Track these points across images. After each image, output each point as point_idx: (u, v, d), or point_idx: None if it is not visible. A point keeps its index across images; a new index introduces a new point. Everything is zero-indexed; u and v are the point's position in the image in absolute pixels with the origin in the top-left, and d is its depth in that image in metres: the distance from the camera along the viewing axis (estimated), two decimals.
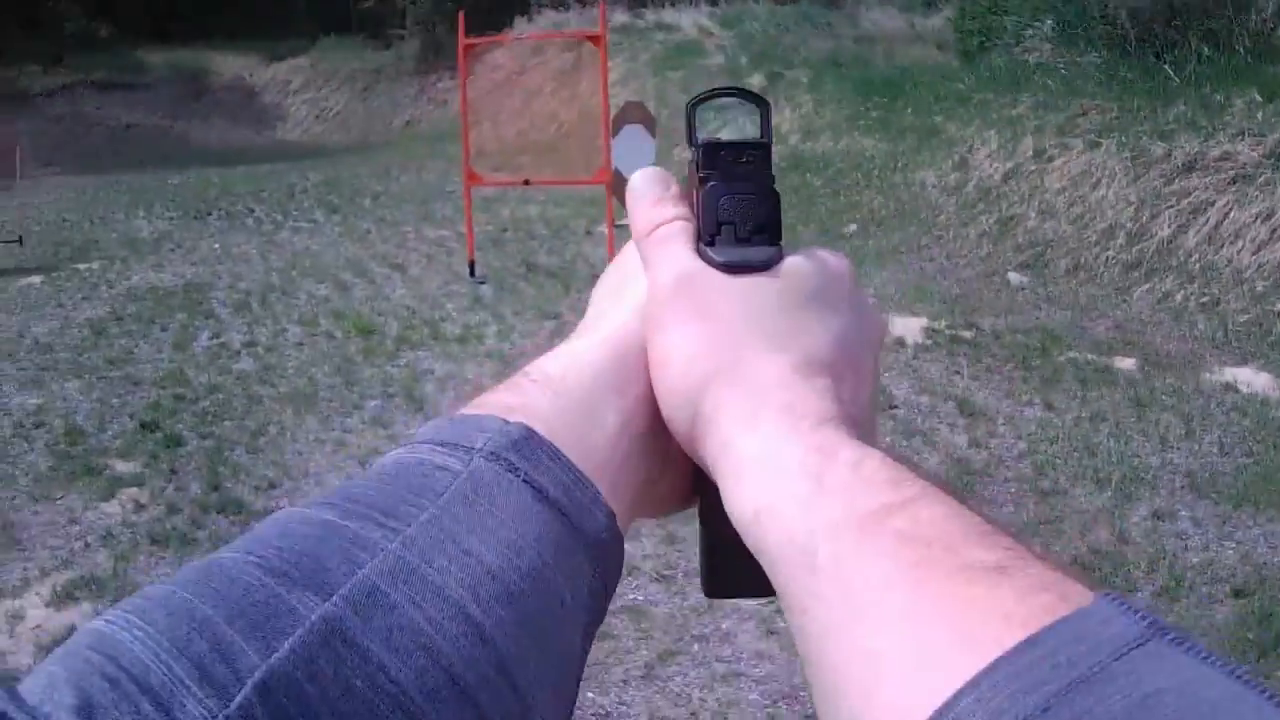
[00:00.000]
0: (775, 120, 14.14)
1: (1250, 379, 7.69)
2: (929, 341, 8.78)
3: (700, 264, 0.66)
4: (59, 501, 6.44)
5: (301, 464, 6.88)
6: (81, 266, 13.54)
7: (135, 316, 10.60)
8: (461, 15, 12.25)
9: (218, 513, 6.19)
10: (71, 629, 4.73)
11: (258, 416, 7.70)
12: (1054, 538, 5.65)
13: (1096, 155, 11.64)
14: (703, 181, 0.69)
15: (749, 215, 0.68)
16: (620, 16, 25.54)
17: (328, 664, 0.43)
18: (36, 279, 12.77)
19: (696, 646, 4.81)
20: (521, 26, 27.83)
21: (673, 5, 26.07)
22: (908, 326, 9.10)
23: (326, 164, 25.07)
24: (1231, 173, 10.21)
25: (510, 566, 0.51)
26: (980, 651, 0.41)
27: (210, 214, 17.78)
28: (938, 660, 0.43)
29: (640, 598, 5.18)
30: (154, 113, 36.15)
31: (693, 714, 4.40)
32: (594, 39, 12.39)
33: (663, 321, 0.65)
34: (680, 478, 0.70)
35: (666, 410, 0.65)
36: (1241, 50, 11.76)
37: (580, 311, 0.74)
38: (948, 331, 9.00)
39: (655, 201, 0.71)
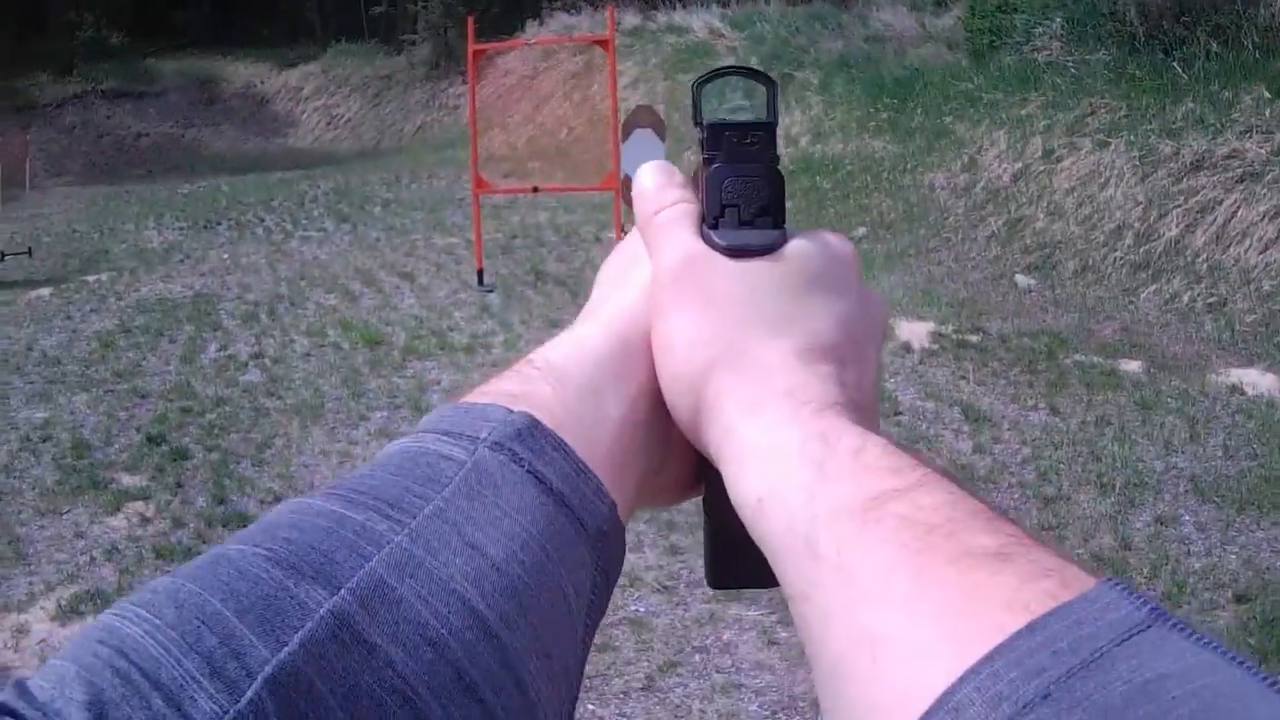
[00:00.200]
0: (786, 123, 14.14)
1: (1256, 380, 7.66)
2: (935, 346, 8.76)
3: (704, 247, 0.66)
4: (65, 515, 6.46)
5: (307, 476, 6.89)
6: (90, 278, 13.60)
7: (143, 329, 10.63)
8: (470, 21, 12.26)
9: (223, 526, 6.20)
10: None
11: (264, 429, 7.71)
12: (1057, 543, 5.61)
13: (1105, 155, 11.61)
14: (707, 163, 0.69)
15: (753, 197, 0.67)
16: (631, 19, 25.53)
17: (336, 659, 0.43)
18: (45, 291, 12.82)
19: (697, 658, 4.81)
20: (532, 30, 27.83)
21: (683, 7, 26.05)
22: (914, 331, 9.09)
23: (337, 171, 25.14)
24: (1239, 170, 10.18)
25: (514, 560, 0.51)
26: (982, 638, 0.41)
27: (220, 224, 17.84)
28: (939, 647, 0.43)
29: (641, 609, 5.18)
30: (164, 121, 36.25)
31: None
32: (603, 43, 12.39)
33: (666, 306, 0.65)
34: (683, 467, 0.70)
35: (669, 396, 0.65)
36: (1250, 46, 11.71)
37: None
38: (954, 336, 8.98)
39: (659, 187, 0.71)
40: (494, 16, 29.05)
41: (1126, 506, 6.00)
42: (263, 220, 17.95)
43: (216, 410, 8.13)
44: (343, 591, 0.45)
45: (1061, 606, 0.41)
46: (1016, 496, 6.21)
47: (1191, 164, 10.62)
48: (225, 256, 14.71)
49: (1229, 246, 9.69)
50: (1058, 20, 14.80)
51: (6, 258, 14.19)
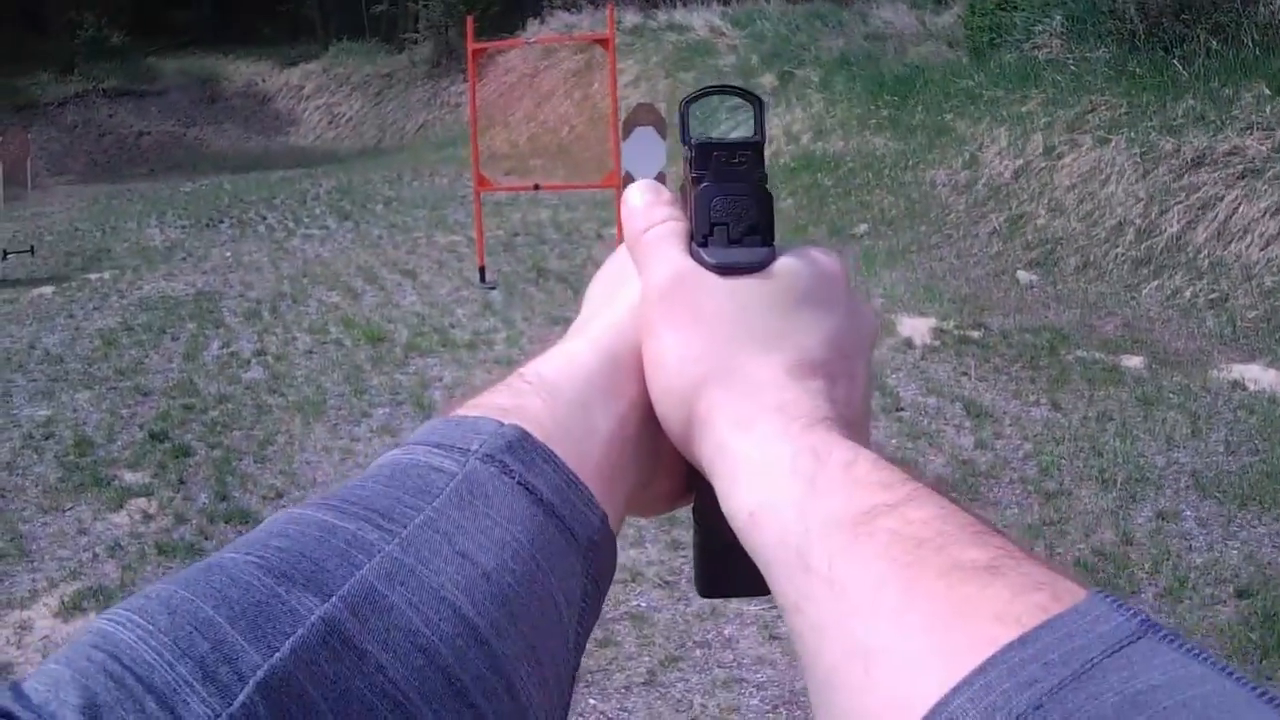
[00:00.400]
0: (788, 120, 14.16)
1: (1258, 376, 7.66)
2: (937, 342, 8.76)
3: (693, 265, 0.67)
4: (68, 512, 6.46)
5: (309, 473, 6.90)
6: (93, 276, 13.59)
7: (146, 326, 10.63)
8: (470, 20, 12.27)
9: (225, 523, 6.20)
10: None
11: (266, 426, 7.71)
12: (1058, 539, 5.64)
13: (1106, 151, 11.60)
14: (695, 182, 0.69)
15: (742, 216, 0.68)
16: (632, 17, 25.52)
17: (327, 664, 0.43)
18: (48, 289, 12.82)
19: (698, 652, 4.81)
20: (533, 28, 27.82)
21: (684, 5, 26.03)
22: (916, 327, 9.09)
23: (339, 170, 25.11)
24: (1240, 167, 10.18)
25: (505, 569, 0.52)
26: (973, 650, 0.41)
27: (222, 222, 17.83)
28: (931, 659, 0.43)
29: (643, 604, 5.18)
30: (166, 120, 36.23)
31: (693, 719, 4.41)
32: (603, 42, 12.38)
33: (656, 324, 0.66)
34: (673, 478, 0.71)
35: (661, 411, 0.66)
36: (1250, 43, 11.70)
37: None
38: (956, 332, 8.97)
39: (647, 205, 0.72)
40: (495, 15, 29.06)
41: (1128, 502, 6.01)
42: (265, 218, 17.94)
43: (219, 407, 8.14)
44: (334, 599, 0.46)
45: (1052, 619, 0.41)
46: (1018, 492, 6.21)
47: (1192, 161, 10.61)
48: (227, 254, 14.70)
49: (1230, 243, 9.69)
50: (1058, 18, 14.80)
51: (9, 256, 14.17)
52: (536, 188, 14.45)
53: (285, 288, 12.15)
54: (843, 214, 13.61)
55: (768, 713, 4.41)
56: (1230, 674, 0.37)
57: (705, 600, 5.16)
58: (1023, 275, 10.58)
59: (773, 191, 0.69)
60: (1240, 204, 9.89)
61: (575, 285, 11.14)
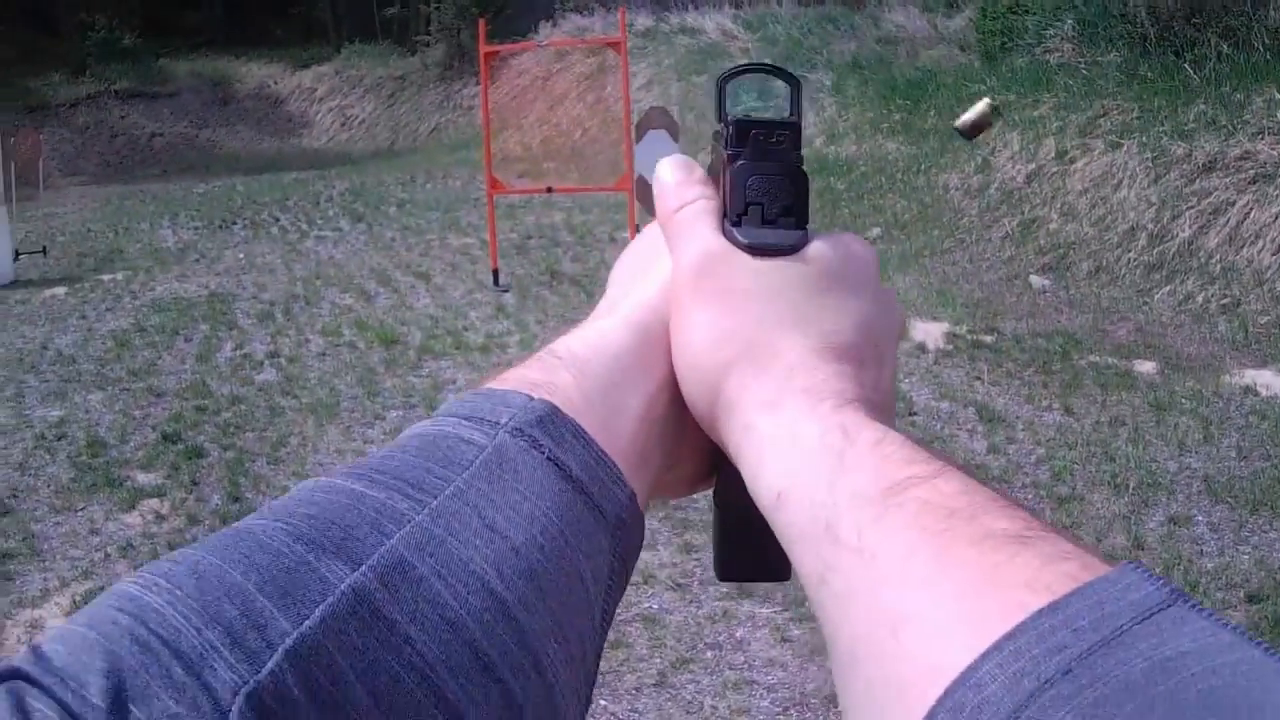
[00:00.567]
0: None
1: (1270, 381, 7.64)
2: (950, 347, 8.74)
3: (725, 244, 0.67)
4: (80, 512, 6.48)
5: (321, 475, 6.89)
6: (106, 277, 13.61)
7: (158, 328, 10.64)
8: (481, 23, 12.28)
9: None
10: None
11: (279, 427, 7.72)
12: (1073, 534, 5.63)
13: (1118, 156, 11.58)
14: (731, 159, 0.68)
15: (777, 196, 0.67)
16: (644, 20, 25.49)
17: (356, 634, 0.43)
18: (61, 290, 12.84)
19: (710, 654, 4.81)
20: (545, 31, 27.79)
21: (696, 9, 26.00)
22: (929, 332, 9.07)
23: (352, 171, 25.10)
24: (1252, 172, 10.16)
25: (533, 543, 0.52)
26: (1003, 616, 0.42)
27: (235, 223, 17.83)
28: (961, 625, 0.43)
29: (655, 606, 5.18)
30: (179, 121, 36.19)
31: None
32: (615, 45, 12.38)
33: (685, 303, 0.66)
34: (696, 460, 0.71)
35: (687, 390, 0.66)
36: (1261, 47, 11.68)
37: None
38: (969, 336, 8.96)
39: (680, 183, 0.71)
40: (507, 17, 29.03)
41: (1140, 507, 6.00)
42: (278, 220, 17.94)
43: (232, 409, 8.15)
44: (364, 568, 0.46)
45: (1083, 587, 0.41)
46: (1030, 497, 6.20)
47: (1204, 165, 10.60)
48: (240, 256, 14.71)
49: (1242, 248, 9.67)
50: (1069, 22, 14.77)
51: (22, 257, 14.19)
52: (549, 190, 14.44)
53: (298, 289, 12.15)
54: (855, 218, 13.59)
55: (778, 715, 4.41)
56: (1259, 644, 0.38)
57: (716, 603, 5.17)
58: (1035, 280, 10.57)
59: (808, 173, 0.69)
60: (1252, 209, 9.87)
61: (588, 288, 11.14)
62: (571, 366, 0.64)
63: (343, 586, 0.44)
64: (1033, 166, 12.57)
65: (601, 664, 0.59)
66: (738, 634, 4.94)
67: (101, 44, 37.74)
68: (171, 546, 5.93)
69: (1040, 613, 0.41)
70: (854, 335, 0.65)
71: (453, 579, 0.48)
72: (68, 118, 34.94)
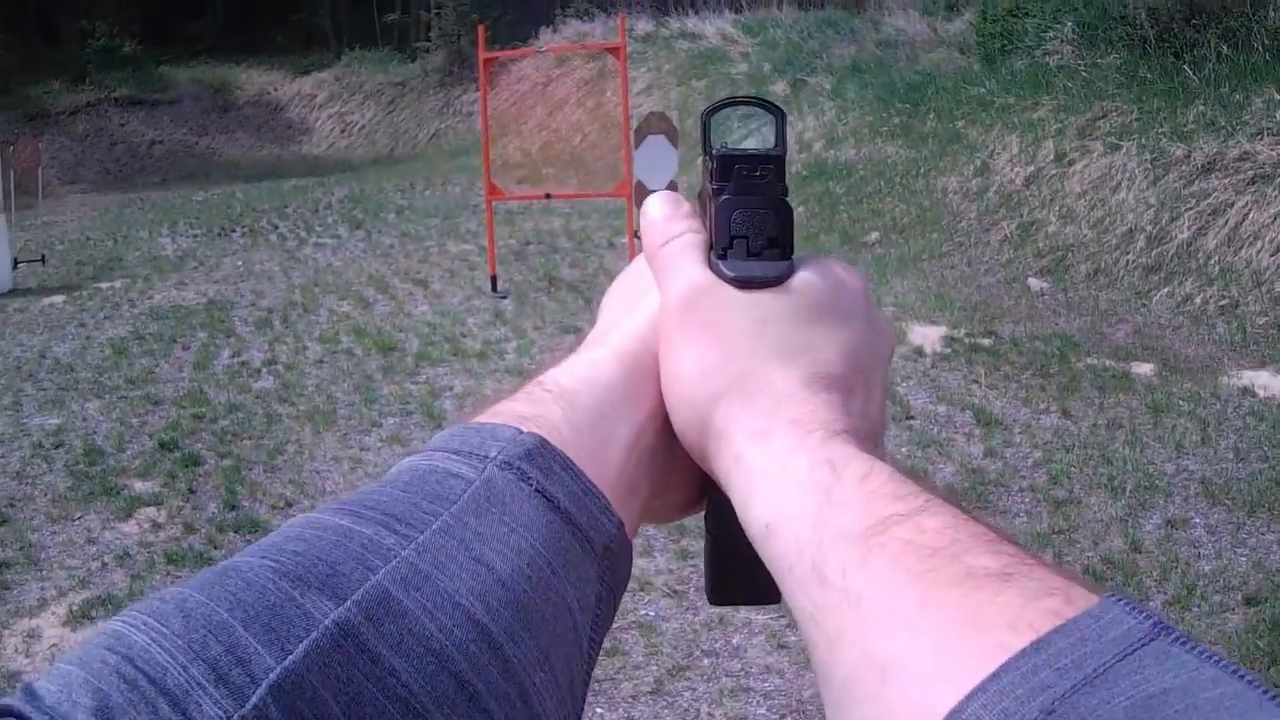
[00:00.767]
0: (799, 128, 14.16)
1: (1268, 382, 7.64)
2: (948, 350, 8.75)
3: (711, 278, 0.67)
4: (77, 521, 6.48)
5: (319, 482, 6.91)
6: (104, 285, 13.63)
7: (157, 336, 10.65)
8: (481, 29, 12.30)
9: (235, 532, 6.21)
10: None
11: (276, 435, 7.72)
12: (1067, 547, 5.63)
13: (1117, 158, 11.58)
14: (716, 194, 0.69)
15: (761, 229, 0.68)
16: (644, 25, 25.56)
17: (341, 667, 0.44)
18: (59, 298, 12.85)
19: (706, 661, 4.81)
20: (545, 37, 27.84)
21: (696, 13, 26.05)
22: (927, 335, 9.08)
23: (351, 178, 25.14)
24: (1251, 173, 10.16)
25: (520, 575, 0.52)
26: (987, 657, 0.42)
27: (234, 231, 17.86)
28: (945, 667, 0.44)
29: (651, 613, 5.18)
30: (178, 129, 36.27)
31: None
32: (614, 50, 12.39)
33: (674, 336, 0.67)
34: (686, 487, 0.72)
35: (678, 423, 0.66)
36: (1260, 48, 11.68)
37: None
38: (967, 340, 8.96)
39: (666, 218, 0.72)
40: (507, 23, 29.08)
41: (1137, 509, 5.99)
42: (277, 227, 17.96)
43: (229, 417, 8.15)
44: (348, 603, 0.46)
45: (1065, 624, 0.42)
46: (1027, 500, 6.20)
47: (1203, 167, 10.60)
48: (239, 263, 14.73)
49: (1241, 249, 9.67)
50: (1068, 24, 14.78)
51: (20, 265, 14.21)
52: (548, 196, 14.45)
53: (296, 297, 12.16)
54: (854, 222, 13.60)
55: None
56: (1242, 676, 0.38)
57: (714, 609, 5.16)
58: (1033, 282, 10.57)
59: (793, 205, 0.69)
60: (1251, 210, 9.87)
61: (587, 294, 11.14)
62: (560, 399, 0.64)
63: (326, 621, 0.45)
64: (1031, 169, 12.57)
65: (597, 671, 0.59)
66: (734, 641, 4.94)
67: (102, 51, 37.78)
68: (168, 555, 5.94)
69: (1023, 652, 0.41)
70: (842, 364, 0.66)
71: (438, 611, 0.48)
72: (67, 125, 35.00)
